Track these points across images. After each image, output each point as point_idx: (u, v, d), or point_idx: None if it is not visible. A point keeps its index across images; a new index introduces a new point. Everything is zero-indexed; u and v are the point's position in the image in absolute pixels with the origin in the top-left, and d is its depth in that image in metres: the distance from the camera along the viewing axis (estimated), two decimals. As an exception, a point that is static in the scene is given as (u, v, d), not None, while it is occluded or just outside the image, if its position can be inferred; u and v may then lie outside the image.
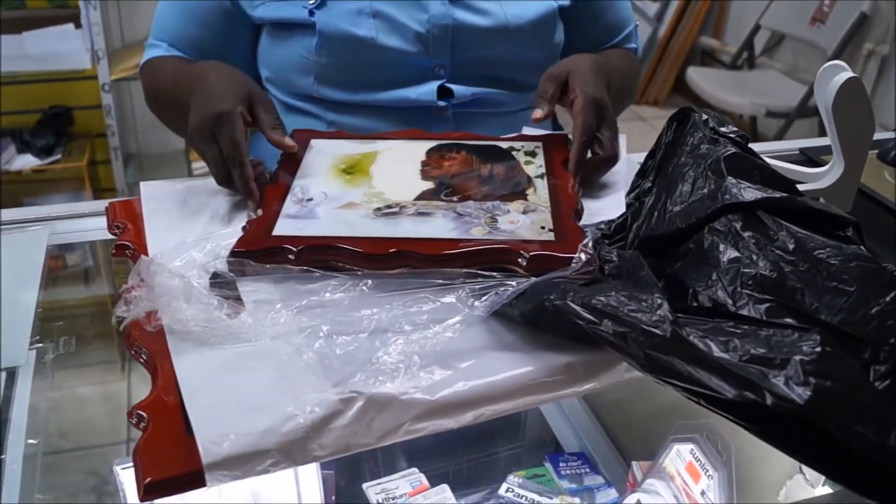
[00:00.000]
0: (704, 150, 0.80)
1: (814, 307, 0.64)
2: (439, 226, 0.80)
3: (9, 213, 0.96)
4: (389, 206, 0.84)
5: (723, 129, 0.82)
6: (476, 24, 1.08)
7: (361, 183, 0.88)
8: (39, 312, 0.84)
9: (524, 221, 0.81)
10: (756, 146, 1.20)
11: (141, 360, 0.68)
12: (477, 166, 0.92)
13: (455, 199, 0.85)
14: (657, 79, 4.25)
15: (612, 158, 0.92)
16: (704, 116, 0.84)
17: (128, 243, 0.84)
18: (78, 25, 2.77)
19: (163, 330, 0.68)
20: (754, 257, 0.68)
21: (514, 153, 0.95)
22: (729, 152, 0.78)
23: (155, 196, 0.89)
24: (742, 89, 3.55)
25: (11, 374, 0.72)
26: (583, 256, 0.73)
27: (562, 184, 0.89)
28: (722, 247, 0.70)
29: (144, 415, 0.62)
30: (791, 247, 0.68)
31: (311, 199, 0.85)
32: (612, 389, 0.70)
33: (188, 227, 0.83)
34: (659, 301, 0.64)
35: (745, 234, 0.70)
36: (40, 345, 0.75)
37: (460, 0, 1.08)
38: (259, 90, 0.94)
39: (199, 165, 2.91)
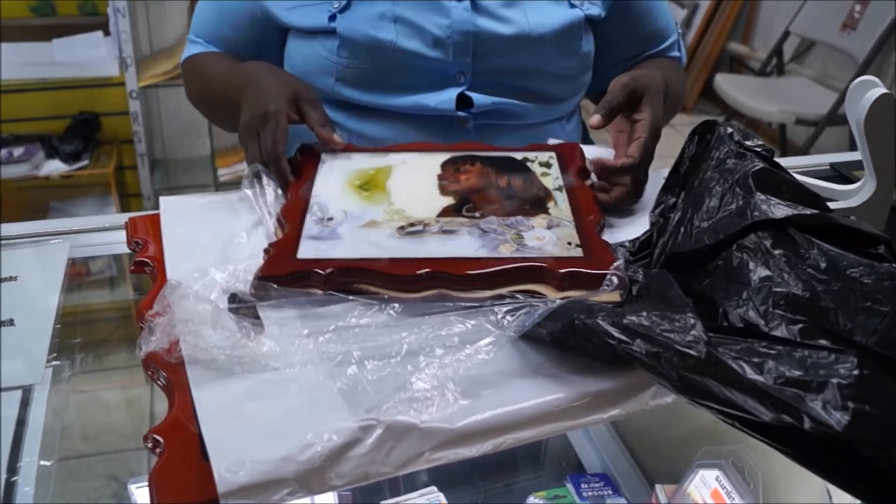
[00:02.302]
0: (731, 164, 0.78)
1: (848, 328, 0.62)
2: (466, 244, 0.79)
3: (30, 226, 0.96)
4: (413, 225, 0.82)
5: (748, 143, 0.80)
6: (498, 31, 1.07)
7: (380, 200, 0.87)
8: (61, 324, 0.84)
9: (550, 237, 0.80)
10: (785, 161, 1.18)
11: (159, 382, 0.67)
12: (494, 179, 0.91)
13: (477, 214, 0.84)
14: (685, 85, 4.22)
15: (639, 193, 0.93)
16: (729, 129, 0.82)
17: (147, 260, 0.83)
18: (107, 33, 2.79)
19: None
20: (786, 276, 0.66)
21: (528, 164, 0.94)
22: (757, 167, 0.76)
23: (174, 211, 0.89)
24: (771, 96, 3.51)
25: (27, 391, 0.71)
26: (614, 279, 0.72)
27: (582, 196, 0.88)
28: (752, 265, 0.69)
29: (161, 439, 0.61)
30: (823, 265, 0.66)
31: (331, 219, 0.84)
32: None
33: (207, 244, 0.82)
34: (692, 321, 0.62)
35: (776, 252, 0.69)
36: (57, 362, 0.75)
37: (483, 7, 1.07)
38: (307, 88, 0.98)
39: (225, 171, 2.92)
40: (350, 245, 0.79)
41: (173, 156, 3.18)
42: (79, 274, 1.43)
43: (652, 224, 0.84)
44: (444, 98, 1.08)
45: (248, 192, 0.89)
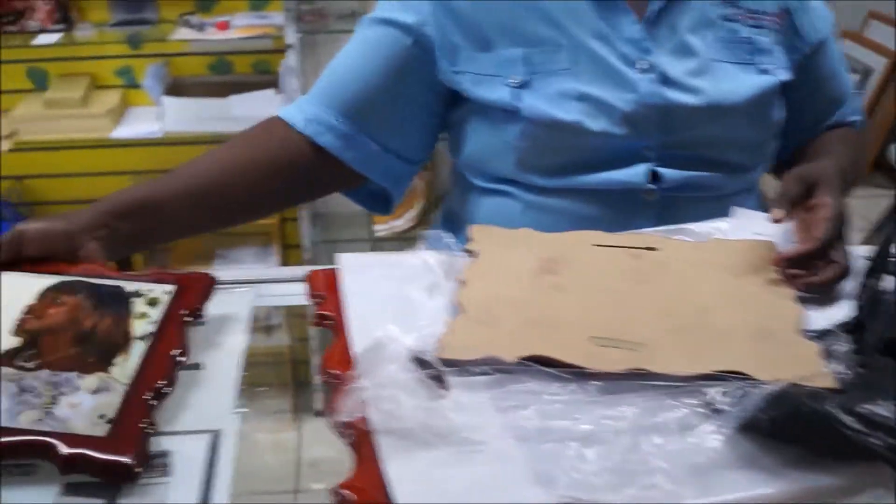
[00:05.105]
0: None
1: None
2: None
3: (220, 275, 0.98)
4: None
5: None
6: (687, 103, 1.03)
7: None
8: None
9: (87, 405, 0.69)
10: None
11: (345, 438, 0.67)
12: (84, 316, 0.80)
13: (32, 365, 0.73)
14: (854, 158, 4.02)
15: (847, 272, 0.87)
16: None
17: (328, 314, 0.85)
18: (279, 90, 2.92)
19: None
20: None
21: (132, 299, 0.83)
22: None
23: (352, 269, 0.90)
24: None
25: (215, 436, 0.73)
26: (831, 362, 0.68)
27: (162, 347, 0.77)
28: None
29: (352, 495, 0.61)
30: None
31: None
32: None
33: (387, 304, 0.83)
34: None
35: None
36: (245, 409, 0.76)
37: (671, 78, 1.04)
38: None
39: (381, 227, 2.97)
40: None
41: (333, 209, 3.27)
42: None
43: (860, 308, 0.79)
44: (634, 172, 1.05)
45: (425, 253, 0.89)
